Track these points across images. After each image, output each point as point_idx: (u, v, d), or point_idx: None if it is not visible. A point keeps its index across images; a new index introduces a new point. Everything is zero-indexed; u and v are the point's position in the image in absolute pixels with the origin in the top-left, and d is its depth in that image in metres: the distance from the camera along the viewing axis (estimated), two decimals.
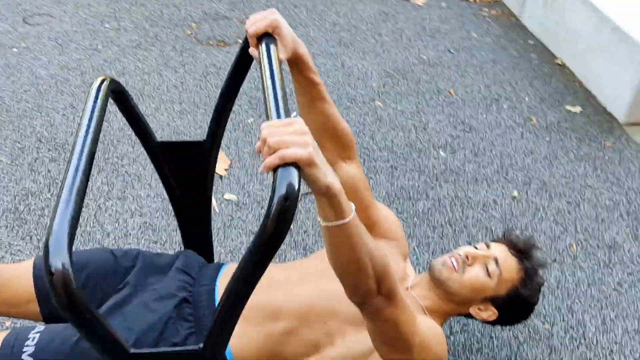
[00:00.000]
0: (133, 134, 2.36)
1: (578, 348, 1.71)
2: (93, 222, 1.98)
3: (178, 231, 1.97)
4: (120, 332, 1.20)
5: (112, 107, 2.62)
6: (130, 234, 1.95)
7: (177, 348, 0.97)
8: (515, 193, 2.25)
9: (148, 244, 1.92)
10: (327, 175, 0.88)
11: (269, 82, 1.00)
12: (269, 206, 0.81)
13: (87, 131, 1.05)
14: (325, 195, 0.89)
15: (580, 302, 1.84)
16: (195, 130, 2.46)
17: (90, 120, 1.07)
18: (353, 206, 0.94)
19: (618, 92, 2.69)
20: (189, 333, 1.24)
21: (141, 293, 1.32)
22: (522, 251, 1.43)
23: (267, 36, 1.12)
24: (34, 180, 2.12)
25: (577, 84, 2.93)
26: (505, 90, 2.85)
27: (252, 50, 1.15)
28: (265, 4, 3.49)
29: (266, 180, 2.23)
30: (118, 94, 1.24)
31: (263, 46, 1.09)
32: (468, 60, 3.08)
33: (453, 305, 1.39)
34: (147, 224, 2.00)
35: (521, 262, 1.41)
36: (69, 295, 0.82)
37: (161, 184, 2.18)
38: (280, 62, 1.10)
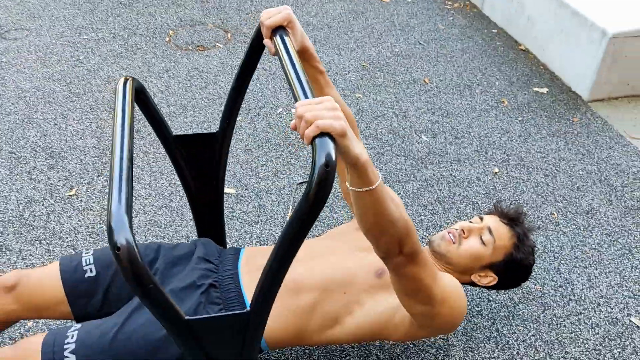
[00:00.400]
0: None
1: (568, 304, 1.86)
2: (100, 223, 2.04)
3: (183, 226, 2.05)
4: (153, 325, 1.28)
5: (107, 114, 2.68)
6: (137, 232, 2.01)
7: (227, 312, 1.05)
8: (496, 169, 2.40)
9: (156, 240, 1.99)
10: (357, 147, 0.98)
11: (290, 68, 1.10)
12: (311, 174, 0.91)
13: (122, 125, 1.12)
14: (355, 164, 0.99)
15: (566, 263, 1.99)
16: (187, 131, 2.53)
17: (123, 115, 1.15)
18: (380, 175, 1.05)
19: (580, 72, 2.87)
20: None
21: (169, 283, 1.39)
22: (512, 219, 1.54)
23: (281, 29, 1.21)
24: (34, 188, 2.16)
25: (541, 67, 3.11)
26: (476, 77, 3.01)
27: (266, 42, 1.24)
28: (237, 9, 3.58)
29: (261, 173, 2.32)
30: (138, 91, 1.32)
31: (278, 38, 1.19)
32: (438, 51, 3.23)
33: (456, 274, 1.50)
34: (152, 221, 2.06)
35: (512, 229, 1.52)
36: (134, 268, 0.91)
37: (161, 184, 2.25)
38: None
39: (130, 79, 1.26)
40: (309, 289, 1.38)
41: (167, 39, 3.24)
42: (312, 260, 1.43)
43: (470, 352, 1.69)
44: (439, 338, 1.73)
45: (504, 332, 1.76)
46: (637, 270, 1.98)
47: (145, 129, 2.51)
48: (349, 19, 3.53)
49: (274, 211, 2.15)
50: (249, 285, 1.37)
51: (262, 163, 2.37)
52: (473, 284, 1.54)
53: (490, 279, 1.51)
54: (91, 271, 1.40)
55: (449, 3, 3.78)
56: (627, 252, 2.05)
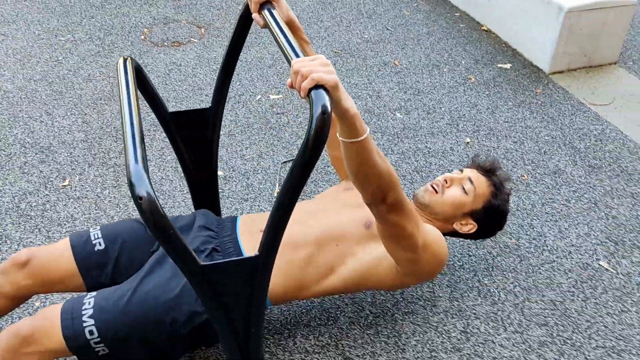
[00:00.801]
0: (113, 130, 2.50)
1: (542, 253, 2.00)
2: (96, 209, 2.11)
3: (176, 207, 2.14)
4: (165, 286, 1.38)
5: (91, 109, 2.74)
6: (133, 215, 2.09)
7: (238, 257, 1.15)
8: (468, 140, 2.55)
9: None
10: (347, 99, 1.09)
11: (280, 35, 1.20)
12: (310, 121, 1.02)
13: (128, 95, 1.22)
14: (345, 115, 1.11)
15: (538, 218, 2.15)
16: None
17: (127, 87, 1.25)
18: (367, 129, 1.16)
19: (540, 47, 3.05)
20: None
21: None
22: (489, 170, 1.68)
23: (267, 3, 1.32)
24: (27, 180, 2.22)
25: (503, 45, 3.28)
26: (443, 57, 3.16)
27: (255, 15, 1.34)
28: (208, 5, 3.66)
29: (247, 155, 2.42)
30: (136, 70, 1.41)
31: (266, 11, 1.30)
32: (405, 35, 3.37)
33: (439, 223, 1.62)
34: None
35: (490, 179, 1.66)
36: (156, 216, 1.01)
37: (150, 170, 2.33)
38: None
39: (129, 58, 1.36)
40: (305, 244, 1.49)
41: (143, 37, 3.31)
42: (307, 219, 1.54)
43: (455, 302, 1.82)
44: (426, 291, 1.85)
45: (485, 282, 1.89)
46: (602, 220, 2.14)
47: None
48: (317, 9, 3.65)
49: (262, 189, 2.25)
50: (248, 246, 1.48)
51: (247, 146, 2.47)
52: (455, 232, 1.66)
53: (471, 226, 1.63)
54: (100, 244, 1.49)
55: None
56: (593, 205, 2.21)
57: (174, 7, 3.63)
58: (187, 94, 2.80)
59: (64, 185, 2.21)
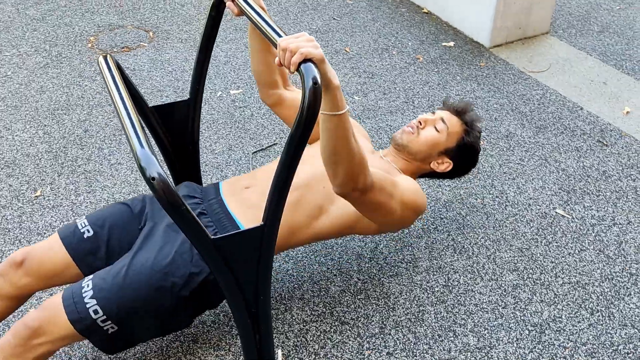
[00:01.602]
0: (77, 138, 2.50)
1: (506, 208, 2.17)
2: (73, 215, 2.12)
3: None
4: (158, 254, 1.40)
5: (50, 120, 2.74)
6: None
7: (245, 228, 1.23)
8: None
9: None
10: (332, 72, 1.18)
11: (259, 19, 1.29)
12: (303, 93, 1.11)
13: (117, 88, 1.28)
14: (329, 86, 1.20)
15: (498, 178, 2.31)
16: None
17: (114, 81, 1.30)
18: (347, 107, 1.24)
19: (479, 24, 3.24)
20: (213, 234, 1.42)
21: (162, 222, 1.51)
22: (460, 111, 1.76)
23: None
24: None
25: (445, 25, 3.46)
26: (390, 40, 3.31)
27: (229, 4, 1.41)
28: (152, 9, 3.67)
29: (216, 149, 2.48)
30: (116, 65, 1.46)
31: None
32: (352, 23, 3.50)
33: (417, 163, 1.71)
34: None
35: (461, 118, 1.74)
36: (168, 194, 1.08)
37: (123, 173, 2.36)
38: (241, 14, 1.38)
39: (108, 55, 1.41)
40: (293, 188, 1.47)
41: (89, 45, 3.29)
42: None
43: (434, 261, 1.96)
44: (407, 254, 1.98)
45: (459, 239, 2.04)
46: (554, 174, 2.33)
47: (94, 127, 2.59)
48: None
49: None
50: (235, 206, 1.53)
51: (215, 140, 2.53)
52: (432, 173, 1.76)
53: (447, 164, 1.72)
54: (88, 231, 1.51)
55: None
56: (544, 161, 2.40)
57: (117, 13, 3.61)
58: (147, 97, 2.82)
59: (37, 196, 2.21)
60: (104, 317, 1.35)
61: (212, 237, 1.18)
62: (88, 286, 1.38)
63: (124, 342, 1.43)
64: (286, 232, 1.53)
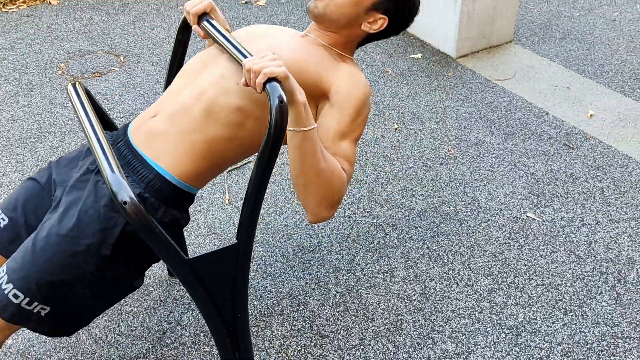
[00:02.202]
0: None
1: (478, 215, 2.22)
2: None
3: None
4: (61, 221, 1.27)
5: (22, 149, 2.72)
6: None
7: (220, 247, 1.24)
8: (396, 126, 2.74)
9: None
10: (297, 89, 1.21)
11: (225, 41, 1.31)
12: (270, 112, 1.13)
13: (87, 115, 1.30)
14: (295, 102, 1.23)
15: (469, 185, 2.36)
16: None
17: (84, 108, 1.32)
18: (314, 124, 1.24)
19: (445, 36, 3.31)
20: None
21: (69, 182, 1.37)
22: None
23: (205, 15, 1.42)
24: None
25: (412, 38, 3.53)
26: (359, 55, 3.36)
27: (195, 27, 1.44)
28: (121, 33, 3.68)
29: None
30: (85, 91, 1.47)
31: (206, 22, 1.40)
32: None
33: (345, 31, 1.40)
34: None
35: None
36: (141, 217, 1.09)
37: None
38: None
39: (77, 82, 1.42)
40: (197, 98, 1.32)
41: (60, 71, 3.29)
42: (193, 80, 1.38)
43: (410, 270, 1.99)
44: (383, 265, 2.01)
45: (434, 247, 2.08)
46: (523, 178, 2.39)
47: (66, 153, 2.58)
48: (233, 25, 3.76)
49: (212, 199, 2.33)
50: (141, 141, 1.34)
51: None
52: (369, 37, 1.45)
53: (381, 21, 1.40)
54: (3, 219, 1.42)
55: None
56: (513, 166, 2.46)
57: (87, 39, 3.62)
58: (120, 121, 2.83)
59: None
60: (27, 299, 1.24)
61: (187, 258, 1.20)
62: (3, 271, 1.28)
63: (67, 321, 1.32)
64: (205, 151, 1.32)
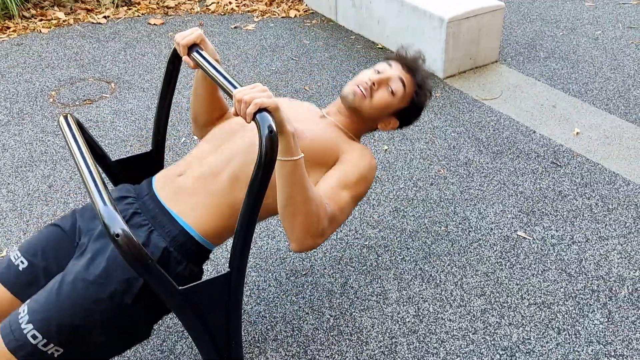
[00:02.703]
0: (41, 194, 2.49)
1: (469, 234, 2.23)
2: None
3: None
4: (89, 266, 1.33)
5: (14, 178, 2.72)
6: None
7: (212, 276, 1.25)
8: (386, 147, 2.77)
9: None
10: (286, 119, 1.23)
11: (214, 72, 1.33)
12: (260, 141, 1.15)
13: (79, 147, 1.31)
14: (284, 132, 1.25)
15: (460, 205, 2.38)
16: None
17: (75, 140, 1.33)
18: (302, 154, 1.27)
19: (431, 56, 3.37)
20: (148, 233, 1.38)
21: (94, 230, 1.43)
22: (413, 68, 1.61)
23: (195, 46, 1.45)
24: None
25: None
26: (348, 77, 3.40)
27: (185, 58, 1.46)
28: (112, 60, 3.71)
29: None
30: (77, 124, 1.49)
31: (196, 53, 1.42)
32: (310, 62, 3.59)
33: (365, 124, 1.60)
34: None
35: (413, 77, 1.59)
36: (133, 249, 1.10)
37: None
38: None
39: (68, 114, 1.44)
40: (225, 165, 1.42)
41: (51, 99, 3.30)
42: (221, 146, 1.49)
43: (403, 291, 2.00)
44: (376, 287, 2.01)
45: (426, 268, 2.09)
46: (513, 197, 2.42)
47: (58, 182, 2.58)
48: (223, 50, 3.80)
49: None
50: (169, 198, 1.42)
51: None
52: (377, 129, 1.65)
53: (393, 123, 1.62)
54: (22, 262, 1.44)
55: (307, 21, 4.19)
56: (503, 185, 2.49)
57: (78, 66, 3.64)
58: (111, 147, 2.84)
59: (2, 256, 2.18)
60: (44, 340, 1.27)
61: (180, 288, 1.20)
62: (24, 312, 1.32)
63: None
64: (228, 213, 1.41)
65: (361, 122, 1.59)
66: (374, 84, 1.55)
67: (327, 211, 1.36)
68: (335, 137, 1.53)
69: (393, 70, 1.58)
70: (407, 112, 1.62)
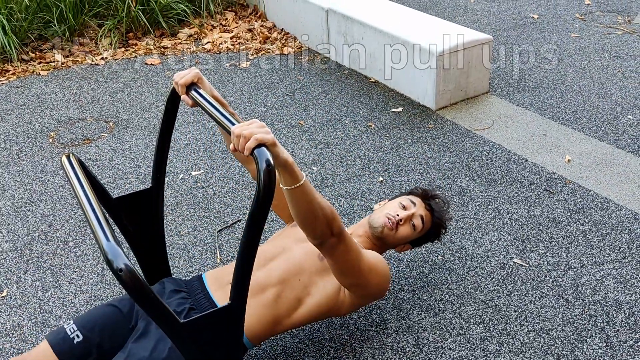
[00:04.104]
0: (42, 233, 2.51)
1: (466, 262, 2.26)
2: (41, 313, 2.11)
3: (124, 292, 2.18)
4: (154, 351, 1.44)
5: (14, 218, 2.75)
6: (80, 310, 2.11)
7: (213, 309, 1.27)
8: (381, 178, 2.81)
9: None
10: (285, 152, 1.29)
11: (212, 109, 1.38)
12: (258, 174, 1.19)
13: (81, 186, 1.34)
14: (284, 166, 1.30)
15: (456, 234, 2.41)
16: None
17: (79, 179, 1.36)
18: (304, 175, 1.36)
19: (424, 89, 3.44)
20: None
21: (151, 321, 1.56)
22: (434, 210, 1.94)
23: (193, 85, 1.50)
24: None
25: (392, 92, 3.66)
26: (342, 110, 3.47)
27: (184, 97, 1.51)
28: (111, 100, 3.78)
29: (182, 231, 2.52)
30: (79, 163, 1.53)
31: (194, 92, 1.48)
32: (305, 97, 3.67)
33: (384, 247, 1.90)
34: (93, 297, 2.17)
35: (434, 216, 1.94)
36: (136, 283, 1.13)
37: (90, 264, 2.37)
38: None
39: (70, 154, 1.48)
40: (271, 285, 1.65)
41: (50, 140, 3.35)
42: (268, 264, 1.71)
43: (403, 321, 2.01)
44: (376, 317, 2.03)
45: (424, 297, 2.10)
46: (507, 224, 2.45)
47: (58, 221, 2.61)
48: (219, 87, 3.87)
49: (204, 259, 2.35)
50: (221, 298, 1.61)
51: (180, 222, 2.58)
52: (390, 249, 1.95)
53: (407, 247, 1.97)
54: (78, 336, 1.54)
55: (301, 58, 4.28)
56: (497, 213, 2.53)
57: (77, 107, 3.70)
58: (110, 185, 2.87)
59: (3, 297, 2.19)
60: None
61: (182, 321, 1.22)
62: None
63: None
64: (270, 324, 1.64)
65: (382, 247, 1.88)
66: (401, 220, 1.84)
67: (341, 222, 1.49)
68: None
69: (417, 208, 1.89)
70: (422, 241, 1.96)
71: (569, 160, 2.87)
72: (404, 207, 1.89)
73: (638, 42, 4.16)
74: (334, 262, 1.53)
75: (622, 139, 3.03)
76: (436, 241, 2.08)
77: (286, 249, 1.74)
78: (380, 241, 1.87)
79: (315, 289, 1.67)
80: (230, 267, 1.73)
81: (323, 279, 1.67)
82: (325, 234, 1.45)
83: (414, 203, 1.91)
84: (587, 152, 2.93)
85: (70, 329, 1.56)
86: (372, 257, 1.65)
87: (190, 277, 2.24)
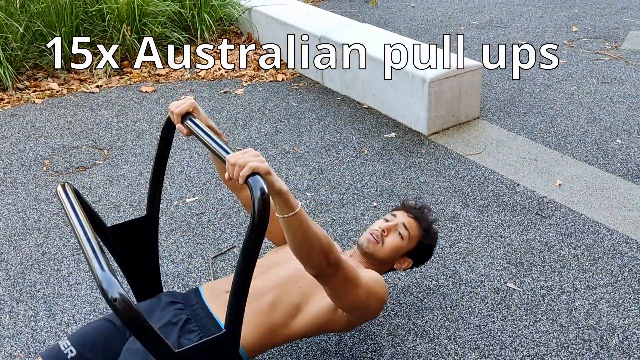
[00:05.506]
0: (35, 262, 2.51)
1: (460, 287, 2.26)
2: (34, 343, 2.09)
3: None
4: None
5: (7, 247, 2.75)
6: None
7: (208, 338, 1.27)
8: (375, 204, 2.83)
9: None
10: (279, 181, 1.30)
11: (207, 138, 1.41)
12: (253, 202, 1.21)
13: (76, 214, 1.35)
14: (279, 194, 1.31)
15: (449, 259, 2.42)
16: None
17: (73, 208, 1.37)
18: (300, 203, 1.37)
19: (416, 115, 3.49)
20: (199, 339, 1.53)
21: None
22: (418, 216, 1.96)
23: (188, 114, 1.52)
24: None
25: (385, 118, 3.70)
26: (335, 136, 3.51)
27: (179, 126, 1.54)
28: (105, 127, 3.80)
29: (176, 258, 2.52)
30: (74, 192, 1.54)
31: (189, 121, 1.50)
32: (298, 123, 3.70)
33: (382, 265, 1.89)
34: None
35: (419, 221, 1.94)
36: (130, 313, 1.13)
37: (83, 293, 2.36)
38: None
39: (65, 183, 1.49)
40: (269, 290, 1.66)
41: (44, 168, 3.36)
42: (267, 271, 1.73)
43: (397, 347, 2.01)
44: (370, 343, 2.02)
45: (419, 323, 2.10)
46: (501, 249, 2.47)
47: (51, 250, 2.60)
48: (213, 114, 3.91)
49: (199, 286, 2.34)
50: (216, 308, 1.62)
51: (174, 250, 2.58)
52: (394, 269, 1.94)
53: (408, 263, 1.94)
54: (72, 352, 1.55)
55: (295, 84, 4.34)
56: (490, 237, 2.54)
57: (71, 135, 3.72)
58: (104, 213, 2.87)
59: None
60: None
61: (177, 350, 1.22)
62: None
63: None
64: (266, 332, 1.63)
65: (377, 264, 1.88)
66: (384, 231, 1.86)
67: (337, 251, 1.47)
68: (356, 266, 1.79)
69: (398, 218, 1.90)
70: (418, 252, 1.93)
71: (560, 185, 2.90)
72: (387, 221, 1.92)
73: (625, 67, 4.24)
74: (331, 290, 1.54)
75: (612, 163, 3.07)
76: (429, 262, 2.09)
77: (289, 258, 1.76)
78: (373, 259, 1.87)
79: (314, 298, 1.67)
80: (227, 279, 1.74)
81: (323, 291, 1.67)
82: (322, 265, 1.45)
83: (395, 215, 1.94)
84: (577, 176, 2.97)
85: (64, 345, 1.56)
86: (370, 280, 1.65)
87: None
